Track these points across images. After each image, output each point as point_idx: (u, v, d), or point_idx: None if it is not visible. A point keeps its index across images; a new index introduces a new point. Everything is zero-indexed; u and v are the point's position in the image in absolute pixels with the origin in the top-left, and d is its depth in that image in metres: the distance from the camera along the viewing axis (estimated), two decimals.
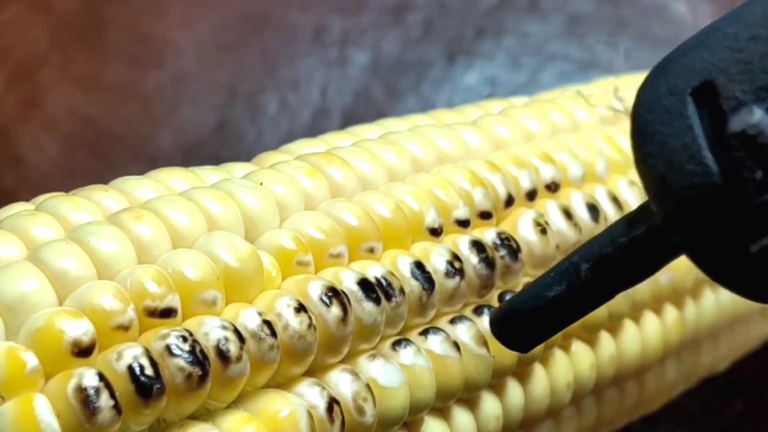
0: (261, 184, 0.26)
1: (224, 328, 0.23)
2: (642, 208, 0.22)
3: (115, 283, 0.23)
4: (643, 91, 0.22)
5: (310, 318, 0.24)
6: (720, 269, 0.21)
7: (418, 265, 0.27)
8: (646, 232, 0.22)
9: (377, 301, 0.25)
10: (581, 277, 0.23)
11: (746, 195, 0.20)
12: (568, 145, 0.31)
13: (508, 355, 0.27)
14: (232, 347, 0.23)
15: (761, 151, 0.19)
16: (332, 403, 0.24)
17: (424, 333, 0.27)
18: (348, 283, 0.25)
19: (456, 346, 0.27)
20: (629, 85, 0.36)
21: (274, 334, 0.24)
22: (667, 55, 0.22)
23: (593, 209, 0.30)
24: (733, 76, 0.20)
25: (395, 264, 0.26)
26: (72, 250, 0.23)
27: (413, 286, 0.26)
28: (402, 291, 0.26)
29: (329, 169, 0.27)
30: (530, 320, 0.24)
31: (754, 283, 0.20)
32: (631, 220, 0.22)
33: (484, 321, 0.27)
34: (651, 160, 0.21)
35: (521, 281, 0.29)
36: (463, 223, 0.28)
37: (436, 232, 0.28)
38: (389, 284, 0.26)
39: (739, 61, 0.20)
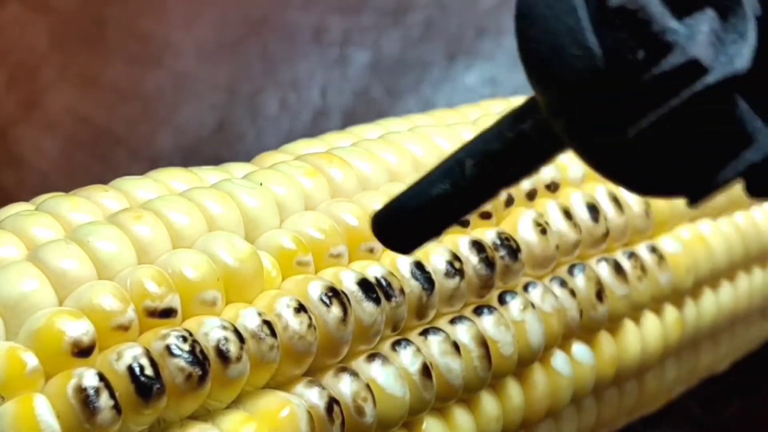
0: (261, 184, 0.26)
1: (224, 328, 0.23)
2: (528, 101, 0.21)
3: (115, 283, 0.23)
4: None
5: (310, 318, 0.24)
6: (601, 157, 0.20)
7: (418, 266, 0.27)
8: (532, 125, 0.21)
9: (377, 301, 0.25)
10: (466, 173, 0.22)
11: (627, 76, 0.19)
12: None
13: (506, 358, 0.28)
14: (232, 347, 0.23)
15: (642, 28, 0.19)
16: (332, 403, 0.24)
17: (424, 333, 0.27)
18: (348, 283, 0.25)
19: (456, 346, 0.27)
20: None
21: (274, 334, 0.24)
22: None
23: (593, 209, 0.30)
24: None
25: (395, 264, 0.26)
26: (72, 250, 0.23)
27: (413, 286, 0.26)
28: (402, 291, 0.26)
29: (329, 169, 0.27)
30: (414, 219, 0.22)
31: (634, 170, 0.20)
32: (517, 114, 0.21)
33: (484, 321, 0.27)
34: (533, 44, 0.20)
35: (521, 281, 0.29)
36: (463, 223, 0.28)
37: None
38: (389, 284, 0.26)
39: None
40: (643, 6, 0.19)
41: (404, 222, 0.23)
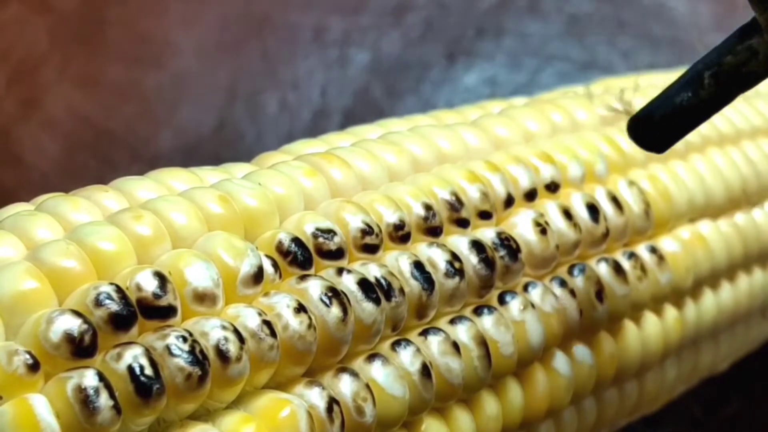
0: (260, 184, 0.26)
1: (224, 328, 0.23)
2: (753, 20, 0.25)
3: (115, 283, 0.23)
4: None
5: (309, 318, 0.24)
6: None
7: (418, 265, 0.27)
8: (758, 40, 0.25)
9: (377, 302, 0.25)
10: (704, 83, 0.26)
11: None
12: (567, 146, 0.31)
13: (506, 358, 0.28)
14: (232, 347, 0.23)
15: None
16: (332, 403, 0.24)
17: (424, 333, 0.27)
18: (348, 283, 0.25)
19: (455, 346, 0.27)
20: (631, 85, 0.36)
21: (273, 334, 0.24)
22: None
23: (593, 209, 0.30)
24: None
25: (395, 264, 0.26)
26: (72, 250, 0.23)
27: (413, 286, 0.26)
28: (402, 291, 0.26)
29: (329, 169, 0.27)
30: (663, 124, 0.26)
31: None
32: (744, 30, 0.25)
33: (484, 321, 0.27)
34: None
35: (521, 281, 0.29)
36: (463, 223, 0.28)
37: (435, 232, 0.28)
38: (389, 284, 0.26)
39: None
40: None
41: (654, 126, 0.26)
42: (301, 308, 0.24)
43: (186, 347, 0.22)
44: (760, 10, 0.24)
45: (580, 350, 0.30)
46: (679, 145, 0.34)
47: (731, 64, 0.25)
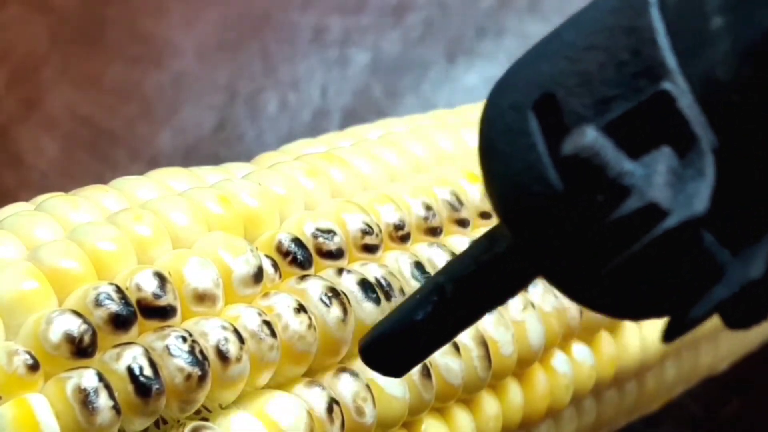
0: (260, 184, 0.26)
1: (224, 328, 0.23)
2: (501, 224, 0.21)
3: (115, 283, 0.23)
4: (487, 105, 0.21)
5: (309, 318, 0.24)
6: (574, 291, 0.20)
7: (418, 266, 0.27)
8: (507, 249, 0.21)
9: (377, 302, 0.25)
10: (446, 297, 0.21)
11: (591, 218, 0.18)
12: None
13: (506, 358, 0.28)
14: (232, 347, 0.23)
15: (598, 174, 0.18)
16: (332, 403, 0.24)
17: None
18: (348, 283, 0.25)
19: (455, 346, 0.27)
20: None
21: (273, 334, 0.24)
22: (512, 64, 0.20)
23: None
24: (573, 89, 0.19)
25: (395, 264, 0.26)
26: (72, 250, 0.23)
27: (413, 286, 0.26)
28: (402, 291, 0.26)
29: (329, 169, 0.27)
30: (400, 344, 0.22)
31: (610, 302, 0.19)
32: (491, 237, 0.21)
33: (485, 321, 0.27)
34: (497, 180, 0.20)
35: None
36: (463, 223, 0.28)
37: (436, 232, 0.28)
38: (389, 284, 0.26)
39: (577, 72, 0.19)
40: (597, 152, 0.18)
41: (391, 348, 0.22)
42: (301, 308, 0.24)
43: (186, 347, 0.22)
44: (508, 224, 0.20)
45: (580, 350, 0.30)
46: None
47: (477, 276, 0.21)
